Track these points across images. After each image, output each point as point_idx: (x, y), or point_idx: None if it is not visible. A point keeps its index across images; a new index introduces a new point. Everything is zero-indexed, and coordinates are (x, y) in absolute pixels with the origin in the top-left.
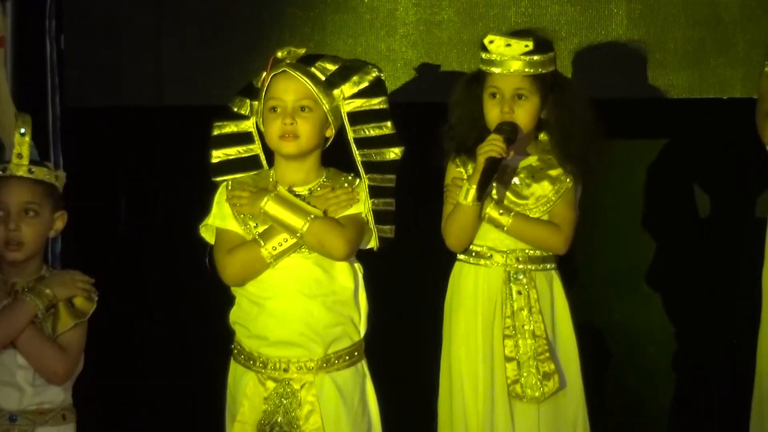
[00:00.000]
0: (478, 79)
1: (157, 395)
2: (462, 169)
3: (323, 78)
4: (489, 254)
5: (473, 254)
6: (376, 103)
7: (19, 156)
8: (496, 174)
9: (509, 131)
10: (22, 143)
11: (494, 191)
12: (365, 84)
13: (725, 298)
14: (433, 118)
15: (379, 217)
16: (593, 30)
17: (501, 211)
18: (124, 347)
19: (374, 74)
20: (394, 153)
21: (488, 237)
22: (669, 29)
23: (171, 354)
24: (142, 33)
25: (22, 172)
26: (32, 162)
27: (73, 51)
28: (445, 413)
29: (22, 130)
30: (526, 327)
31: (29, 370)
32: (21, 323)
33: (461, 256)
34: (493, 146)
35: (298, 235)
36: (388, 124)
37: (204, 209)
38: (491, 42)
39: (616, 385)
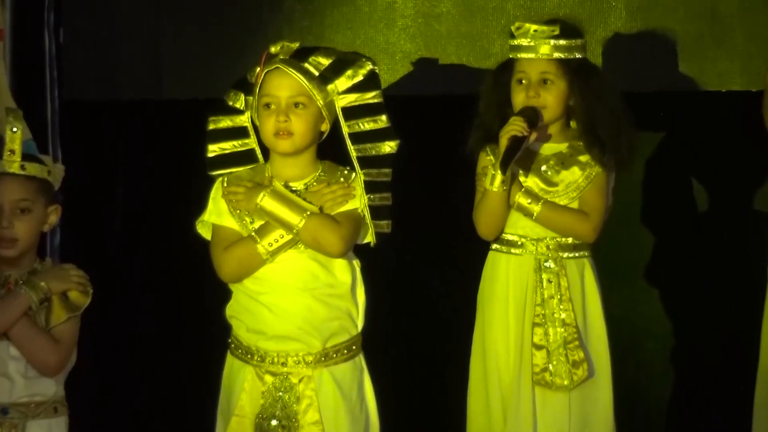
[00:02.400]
0: (506, 68)
1: (152, 389)
2: (492, 158)
3: (317, 73)
4: (520, 242)
5: (505, 243)
6: (371, 96)
7: (11, 152)
8: (519, 152)
9: (531, 115)
10: (13, 139)
11: (524, 179)
12: (359, 78)
13: (724, 293)
14: (433, 110)
15: (376, 212)
16: (592, 23)
17: (530, 200)
18: (121, 340)
19: (368, 68)
20: (389, 146)
21: (518, 225)
22: (667, 22)
23: (167, 347)
24: (141, 26)
25: (14, 168)
26: (24, 157)
27: (72, 44)
28: (476, 401)
29: (14, 128)
30: (556, 315)
31: (21, 361)
32: (14, 314)
33: (494, 246)
34: (514, 126)
35: (294, 231)
36: (383, 117)
37: (203, 203)
38: (519, 28)
39: (615, 379)
